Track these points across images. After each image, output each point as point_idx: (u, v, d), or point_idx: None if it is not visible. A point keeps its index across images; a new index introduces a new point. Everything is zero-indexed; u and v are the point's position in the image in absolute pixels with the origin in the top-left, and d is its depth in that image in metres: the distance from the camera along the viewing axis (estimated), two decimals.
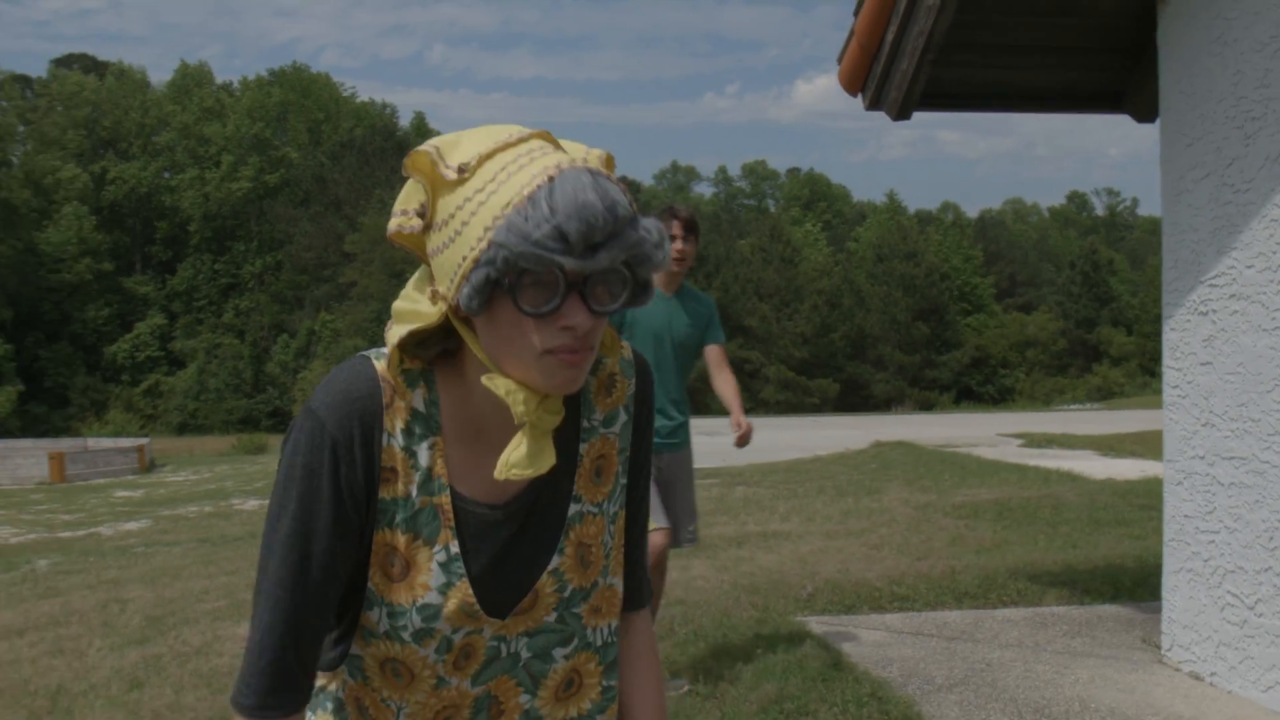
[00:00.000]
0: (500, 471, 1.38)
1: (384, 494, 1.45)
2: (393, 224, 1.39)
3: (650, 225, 1.33)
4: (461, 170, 1.33)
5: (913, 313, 65.86)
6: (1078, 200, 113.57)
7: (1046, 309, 74.52)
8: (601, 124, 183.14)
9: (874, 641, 6.21)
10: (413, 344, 1.43)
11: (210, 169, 76.05)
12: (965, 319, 71.83)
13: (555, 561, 1.54)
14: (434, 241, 1.36)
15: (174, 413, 68.44)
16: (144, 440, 43.10)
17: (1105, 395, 60.92)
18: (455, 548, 1.48)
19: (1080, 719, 4.93)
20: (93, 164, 76.11)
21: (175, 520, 20.12)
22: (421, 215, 1.37)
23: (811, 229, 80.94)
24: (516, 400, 1.36)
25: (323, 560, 1.40)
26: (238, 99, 79.75)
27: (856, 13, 6.26)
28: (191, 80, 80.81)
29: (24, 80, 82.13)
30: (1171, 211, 5.56)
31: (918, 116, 6.38)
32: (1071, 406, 51.01)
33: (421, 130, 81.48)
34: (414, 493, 1.46)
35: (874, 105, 6.41)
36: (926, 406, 56.11)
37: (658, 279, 5.41)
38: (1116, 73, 6.53)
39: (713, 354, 5.79)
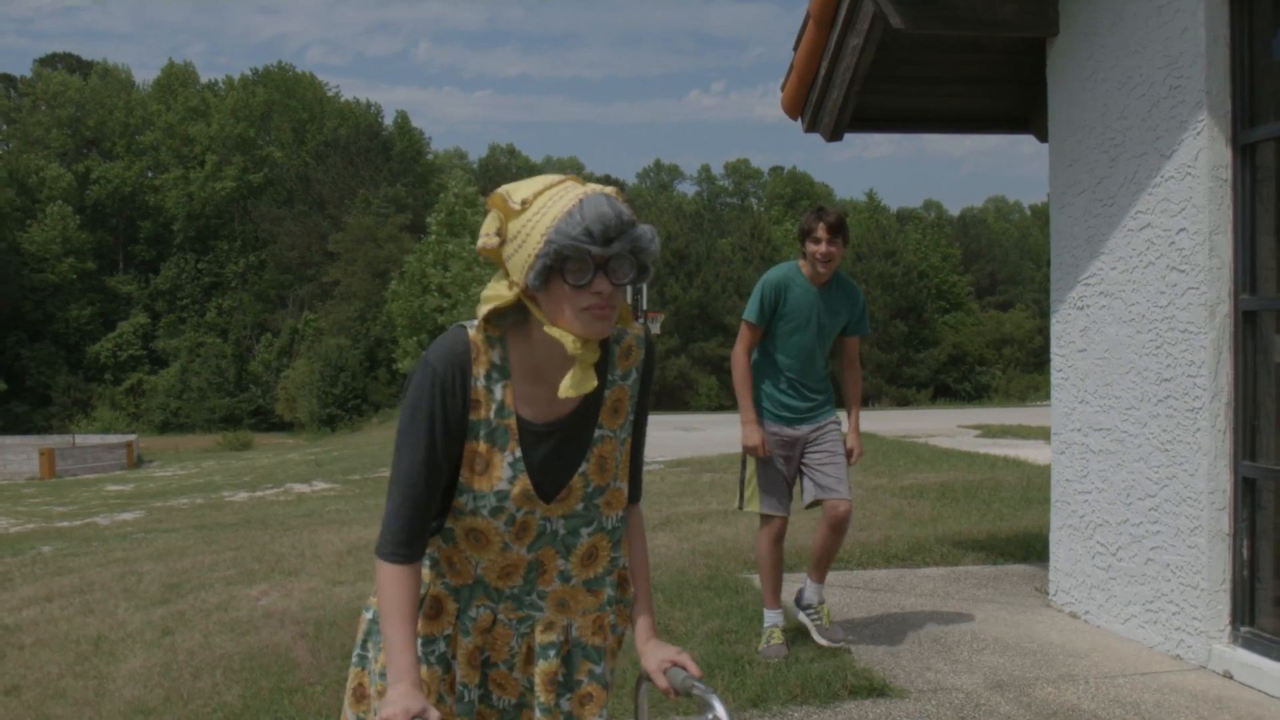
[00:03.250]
0: (562, 391, 2.16)
1: (473, 416, 2.25)
2: (480, 242, 2.20)
3: (646, 228, 2.13)
4: (523, 203, 2.13)
5: (890, 311, 66.73)
6: None
7: (1023, 307, 75.45)
8: (586, 122, 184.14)
9: None
10: (495, 317, 2.26)
11: (194, 168, 76.61)
12: (943, 317, 72.68)
13: (583, 466, 2.32)
14: (507, 251, 2.16)
15: (156, 411, 68.93)
16: (131, 437, 43.86)
17: None
18: (519, 452, 2.27)
19: (970, 646, 5.92)
20: (76, 163, 76.61)
21: (169, 511, 20.86)
22: (499, 235, 2.17)
23: (791, 228, 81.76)
24: (568, 341, 2.14)
25: (433, 457, 2.22)
26: (222, 99, 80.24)
27: (796, 48, 7.22)
28: (176, 80, 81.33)
29: (8, 79, 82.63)
30: (1057, 222, 6.55)
31: None
32: (1045, 403, 52.06)
33: (405, 130, 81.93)
34: (492, 416, 2.26)
35: (811, 128, 7.37)
36: (903, 403, 57.20)
37: (806, 271, 5.75)
38: (1021, 100, 7.50)
39: (848, 346, 6.03)
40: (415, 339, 53.27)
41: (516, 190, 2.17)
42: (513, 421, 2.27)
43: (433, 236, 53.98)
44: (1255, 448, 5.32)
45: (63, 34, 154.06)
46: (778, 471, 5.84)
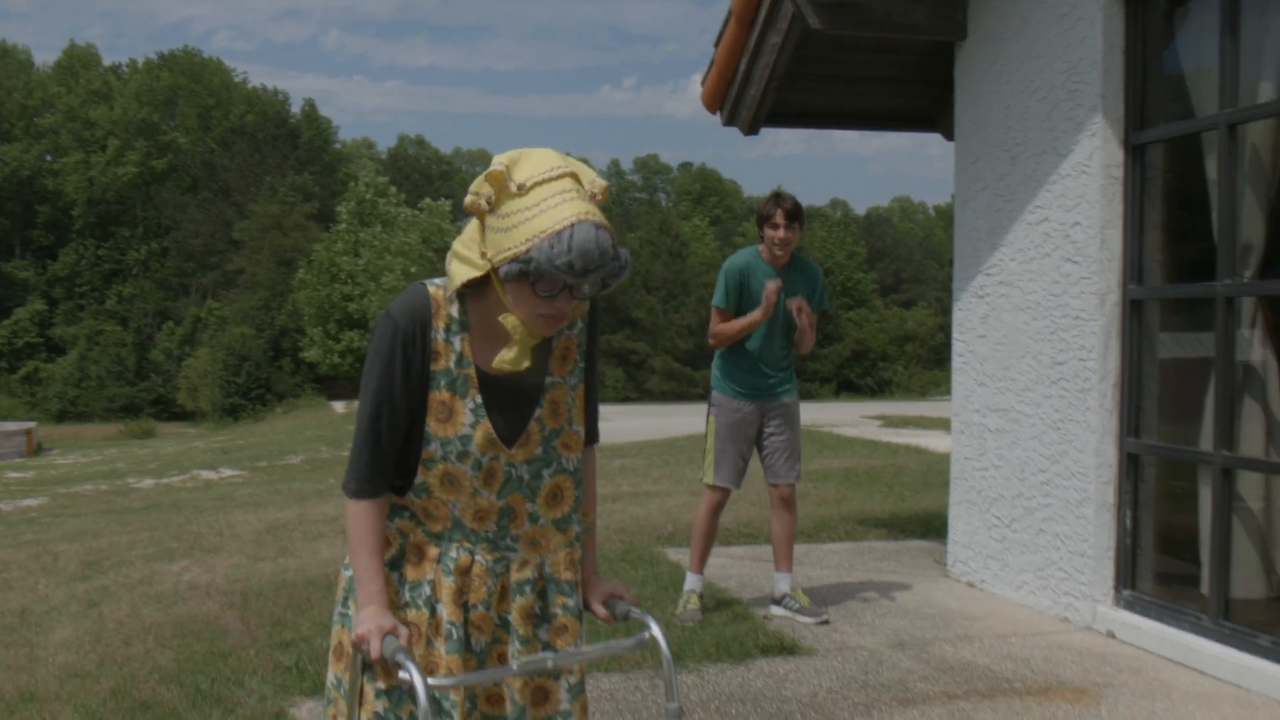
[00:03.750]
0: (496, 363, 2.37)
1: (435, 367, 2.42)
2: (469, 199, 2.29)
3: (622, 255, 2.26)
4: (521, 187, 2.25)
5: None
6: None
7: (926, 304, 76.80)
8: (497, 114, 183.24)
9: (718, 564, 7.53)
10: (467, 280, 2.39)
11: (96, 153, 75.03)
12: (847, 314, 73.72)
13: (538, 411, 2.51)
14: (493, 223, 2.29)
15: (53, 400, 67.45)
16: (31, 424, 42.98)
17: None
18: (479, 399, 2.45)
19: (873, 611, 6.31)
20: None
21: (73, 497, 20.56)
22: (489, 203, 2.29)
23: (699, 223, 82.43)
24: (516, 330, 2.33)
25: (392, 402, 2.41)
26: (125, 82, 78.76)
27: (717, 44, 7.54)
28: (78, 62, 79.61)
29: None
30: (961, 216, 6.95)
31: None
32: (945, 397, 53.18)
33: (313, 118, 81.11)
34: (453, 366, 2.44)
35: (729, 122, 7.71)
36: (807, 397, 58.04)
37: (765, 254, 6.08)
38: (931, 100, 7.90)
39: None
40: (322, 328, 52.89)
41: (517, 168, 2.30)
42: (472, 370, 2.45)
43: (342, 225, 53.69)
44: (1139, 426, 5.75)
45: None
46: (734, 447, 6.20)
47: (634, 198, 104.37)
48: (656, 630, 2.43)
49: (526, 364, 2.39)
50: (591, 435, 2.71)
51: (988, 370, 6.66)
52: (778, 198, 6.10)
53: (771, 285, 5.97)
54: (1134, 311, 5.71)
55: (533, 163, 2.32)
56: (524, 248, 2.23)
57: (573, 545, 2.64)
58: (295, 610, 6.59)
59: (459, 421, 2.46)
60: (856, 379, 69.21)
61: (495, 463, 2.49)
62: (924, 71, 7.67)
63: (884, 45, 7.35)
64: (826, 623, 6.11)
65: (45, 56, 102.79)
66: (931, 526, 8.69)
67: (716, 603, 6.52)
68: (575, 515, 2.64)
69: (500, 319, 2.37)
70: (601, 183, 2.37)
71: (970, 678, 5.22)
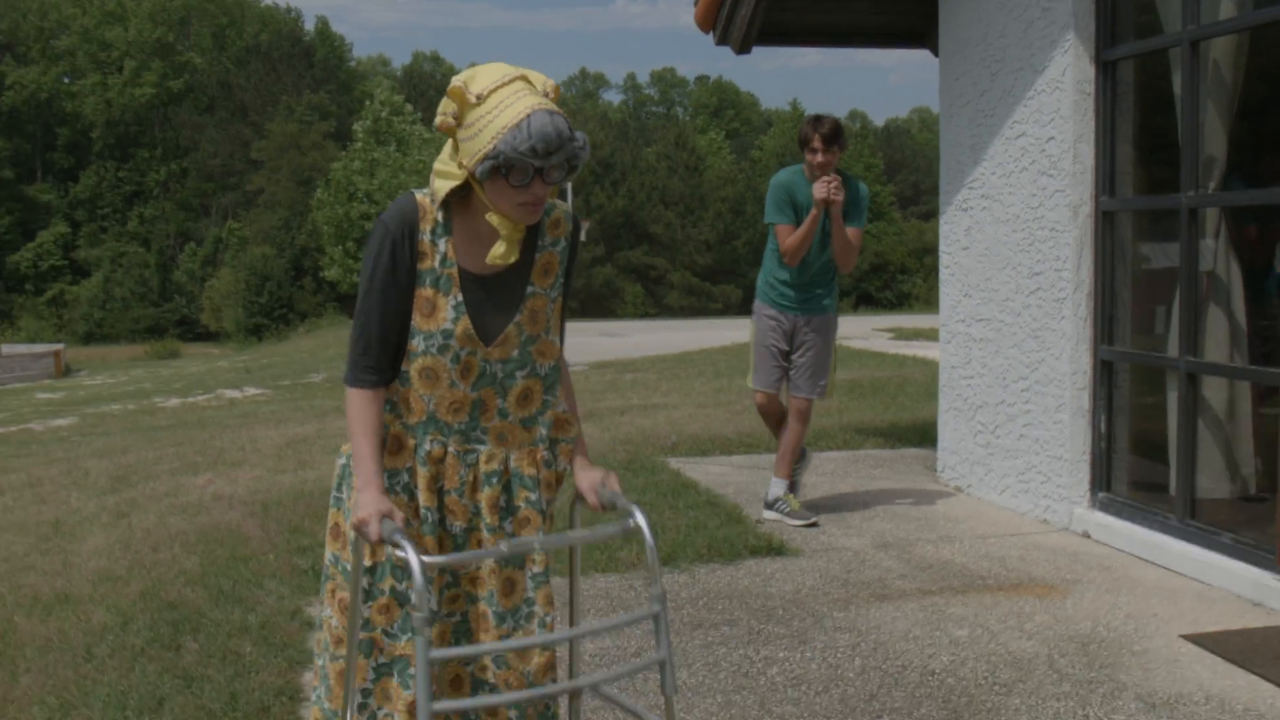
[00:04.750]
0: (490, 258, 2.64)
1: (421, 266, 2.68)
2: (438, 120, 2.59)
3: (580, 137, 2.53)
4: (479, 97, 2.53)
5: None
6: None
7: None
8: (511, 29, 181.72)
9: (718, 472, 7.83)
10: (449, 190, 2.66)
11: (113, 74, 74.92)
12: (866, 226, 73.48)
13: (518, 316, 2.75)
14: (462, 135, 2.57)
15: (80, 321, 68.04)
16: (59, 346, 43.58)
17: None
18: (460, 296, 2.70)
19: (861, 515, 6.61)
20: None
21: (102, 417, 20.95)
22: (455, 118, 2.58)
23: (715, 137, 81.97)
24: (502, 226, 2.61)
25: (387, 298, 2.68)
26: (139, 3, 78.41)
27: None
28: None
29: None
30: (945, 131, 7.14)
31: None
32: None
33: (325, 35, 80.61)
34: (437, 265, 2.69)
35: (722, 41, 7.87)
36: None
37: (808, 175, 6.18)
38: (920, 17, 8.02)
39: (846, 233, 6.26)
40: (341, 247, 53.09)
41: (473, 81, 2.57)
42: (454, 270, 2.70)
43: (359, 144, 53.68)
44: (1112, 334, 5.99)
45: None
46: (769, 351, 6.43)
47: (651, 111, 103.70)
48: (640, 518, 2.64)
49: (514, 257, 2.67)
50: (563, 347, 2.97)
51: (972, 281, 6.88)
52: (816, 121, 6.16)
53: (820, 187, 6.06)
54: (1106, 223, 5.92)
55: (485, 74, 2.59)
56: (490, 145, 2.51)
57: (536, 445, 2.87)
58: (312, 518, 6.91)
59: (441, 316, 2.71)
60: (876, 292, 69.07)
61: (472, 357, 2.75)
62: None
63: None
64: (815, 525, 6.39)
65: None
66: (928, 435, 8.95)
67: (709, 501, 6.82)
68: (542, 417, 2.87)
69: (487, 217, 2.63)
70: (551, 82, 2.67)
71: (946, 575, 5.51)
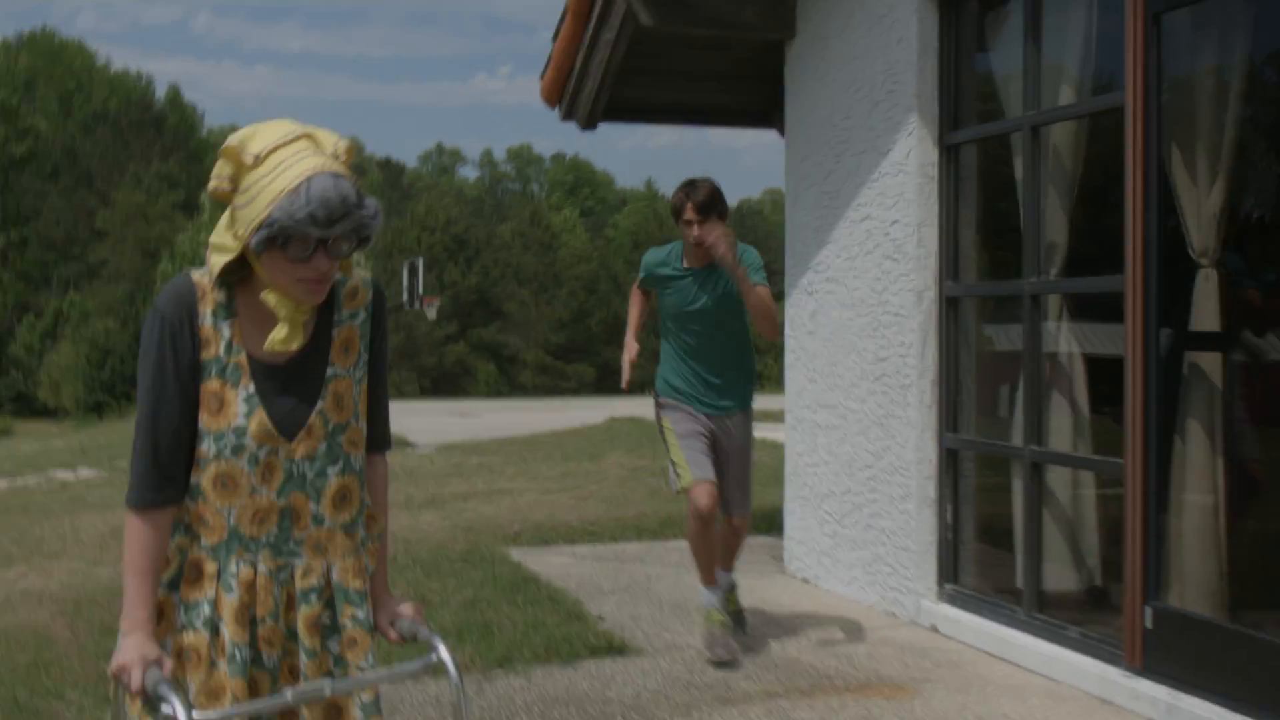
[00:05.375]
0: (267, 346, 2.30)
1: (205, 355, 2.33)
2: (211, 185, 2.27)
3: (370, 205, 2.23)
4: (256, 158, 2.21)
5: None
6: None
7: None
8: (369, 101, 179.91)
9: (560, 564, 7.51)
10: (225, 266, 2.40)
11: None
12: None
13: (320, 404, 2.40)
14: (238, 200, 2.24)
15: None
16: None
17: None
18: (252, 388, 2.35)
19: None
20: None
21: None
22: (231, 182, 2.25)
23: (570, 214, 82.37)
24: (280, 306, 2.28)
25: (169, 399, 2.32)
26: None
27: (554, 39, 7.50)
28: None
29: None
30: (790, 212, 7.03)
31: None
32: None
33: (176, 103, 79.12)
34: (222, 353, 2.34)
35: (568, 116, 7.70)
36: None
37: (686, 256, 5.39)
38: (765, 97, 7.95)
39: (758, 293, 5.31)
40: None
41: (251, 141, 2.26)
42: (243, 357, 2.37)
43: (206, 216, 52.55)
44: (957, 421, 5.87)
45: None
46: (698, 440, 5.40)
47: (507, 189, 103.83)
48: (444, 653, 2.34)
49: (298, 342, 2.34)
50: (382, 441, 2.61)
51: (817, 366, 6.73)
52: (689, 187, 5.28)
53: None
54: (950, 308, 5.82)
55: (266, 132, 2.28)
56: (266, 213, 2.19)
57: (359, 553, 2.52)
58: None
59: (231, 412, 2.36)
60: None
61: (274, 457, 2.39)
62: (759, 69, 7.71)
63: (717, 42, 7.39)
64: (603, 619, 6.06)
65: None
66: (775, 523, 8.74)
67: (549, 597, 6.51)
68: (362, 520, 2.53)
69: (263, 296, 2.30)
70: (344, 142, 2.34)
71: (793, 675, 5.26)
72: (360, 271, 2.52)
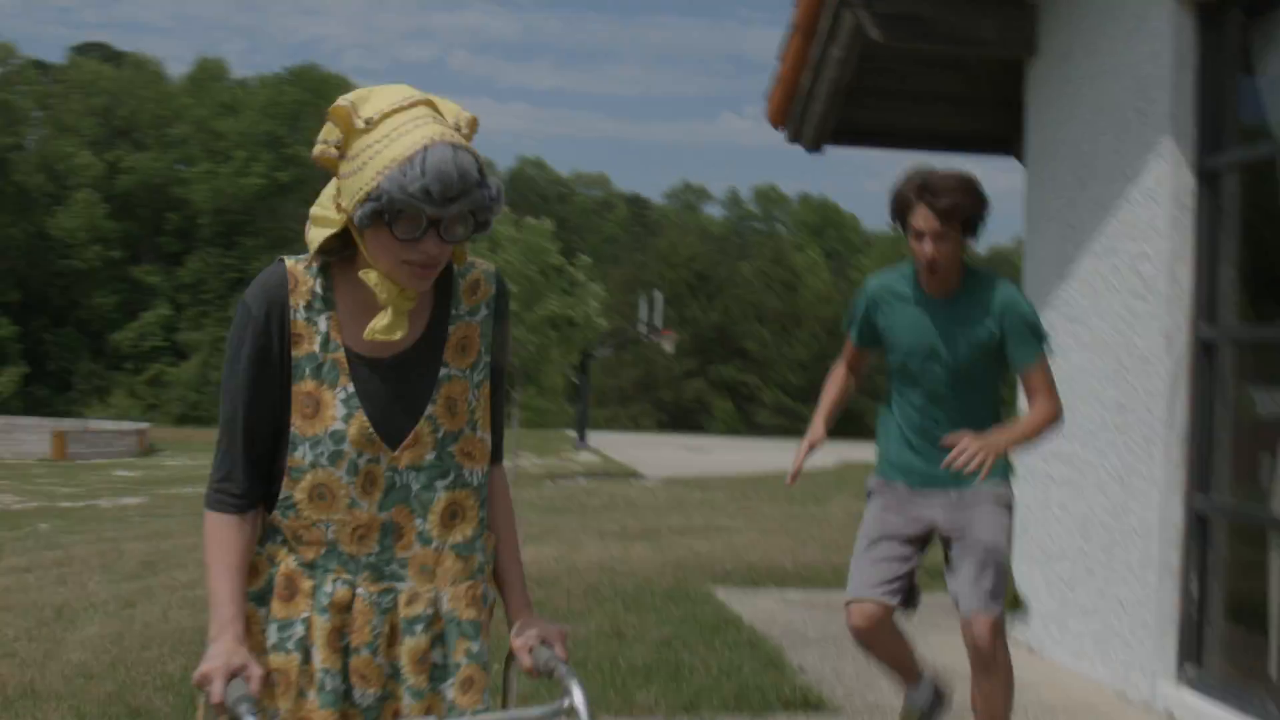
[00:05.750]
0: (367, 334, 2.03)
1: (296, 353, 2.08)
2: (317, 150, 2.02)
3: (493, 185, 1.96)
4: (368, 122, 1.95)
5: None
6: None
7: None
8: (617, 139, 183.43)
9: (766, 607, 7.15)
10: (323, 248, 2.08)
11: (223, 163, 77.01)
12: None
13: (430, 409, 2.13)
14: (344, 169, 1.99)
15: (175, 403, 69.15)
16: (144, 425, 44.00)
17: None
18: (351, 388, 2.09)
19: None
20: (106, 152, 76.99)
21: (172, 499, 20.91)
22: (338, 148, 2.01)
23: (813, 255, 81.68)
24: (381, 289, 2.01)
25: (253, 401, 2.09)
26: (253, 95, 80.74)
27: (781, 58, 7.20)
28: (208, 74, 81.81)
29: (41, 66, 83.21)
30: (1029, 246, 6.61)
31: None
32: None
33: None
34: (318, 350, 2.09)
35: (794, 139, 7.38)
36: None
37: (922, 280, 3.92)
38: (1003, 121, 7.44)
39: (1025, 381, 4.02)
40: None
41: (364, 103, 2.00)
42: (341, 355, 2.11)
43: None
44: (1209, 483, 5.23)
45: (100, 25, 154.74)
46: (880, 545, 4.12)
47: (752, 227, 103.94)
48: (579, 697, 2.01)
49: (402, 332, 2.05)
50: (497, 452, 2.30)
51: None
52: (922, 185, 3.75)
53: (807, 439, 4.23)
54: (1204, 354, 5.20)
55: (382, 96, 2.02)
56: (374, 183, 1.93)
57: (475, 578, 2.22)
58: None
59: (328, 415, 2.10)
60: None
61: (375, 466, 2.12)
62: (995, 90, 7.26)
63: (952, 61, 6.99)
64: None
65: (179, 69, 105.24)
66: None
67: (749, 641, 6.17)
68: (480, 543, 2.24)
69: (361, 274, 2.03)
70: (468, 115, 2.07)
71: None
72: (483, 263, 2.24)
